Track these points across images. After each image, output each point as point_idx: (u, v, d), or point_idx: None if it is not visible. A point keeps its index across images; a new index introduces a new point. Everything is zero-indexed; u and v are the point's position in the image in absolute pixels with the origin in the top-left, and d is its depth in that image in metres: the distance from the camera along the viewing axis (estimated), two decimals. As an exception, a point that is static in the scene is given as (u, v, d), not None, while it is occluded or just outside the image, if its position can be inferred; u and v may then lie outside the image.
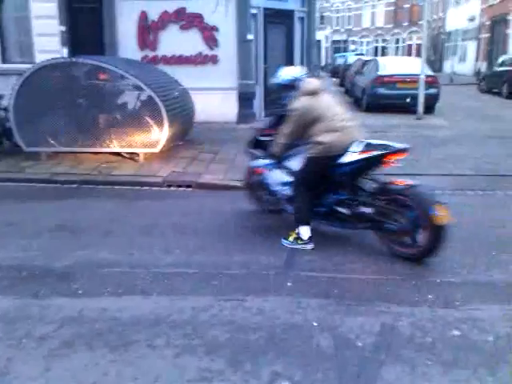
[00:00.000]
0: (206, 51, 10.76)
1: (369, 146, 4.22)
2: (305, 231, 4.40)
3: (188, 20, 10.68)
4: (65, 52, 10.09)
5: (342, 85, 21.89)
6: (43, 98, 7.30)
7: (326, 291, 3.60)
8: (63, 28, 10.18)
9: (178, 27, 10.69)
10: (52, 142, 7.43)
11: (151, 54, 10.78)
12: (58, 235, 4.80)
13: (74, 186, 6.54)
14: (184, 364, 2.76)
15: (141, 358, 2.83)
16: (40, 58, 9.47)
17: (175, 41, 10.68)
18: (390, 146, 4.21)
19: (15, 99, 7.30)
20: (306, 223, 4.43)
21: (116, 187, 6.50)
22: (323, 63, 44.88)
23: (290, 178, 4.68)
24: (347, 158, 4.22)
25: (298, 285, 3.71)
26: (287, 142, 4.52)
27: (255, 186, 5.31)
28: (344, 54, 34.65)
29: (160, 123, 7.24)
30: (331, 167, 4.32)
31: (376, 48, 50.38)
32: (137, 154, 7.47)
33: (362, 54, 33.46)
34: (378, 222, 4.19)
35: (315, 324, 3.15)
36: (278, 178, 4.85)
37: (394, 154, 4.14)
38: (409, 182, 4.13)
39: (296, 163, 4.58)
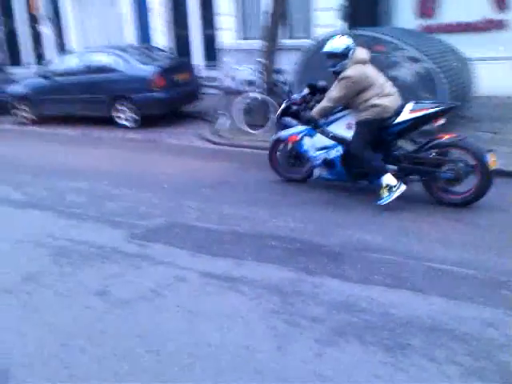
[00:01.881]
0: (492, 15, 9.40)
1: (420, 105, 4.67)
2: (390, 178, 4.61)
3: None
4: (340, 25, 10.10)
5: None
6: (319, 73, 7.38)
7: None
8: (343, 1, 10.17)
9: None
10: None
11: (428, 22, 9.96)
12: (325, 210, 4.78)
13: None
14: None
15: (416, 367, 2.52)
16: (318, 32, 9.67)
17: (456, 5, 9.61)
18: (439, 103, 4.73)
19: (296, 74, 7.57)
20: (385, 172, 4.65)
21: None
22: None
23: (332, 142, 5.00)
24: (401, 118, 4.63)
25: None
26: (334, 106, 4.85)
27: (284, 156, 5.61)
28: None
29: (435, 97, 6.59)
30: (385, 128, 4.70)
31: None
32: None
33: None
34: (432, 172, 4.57)
35: None
36: (317, 143, 5.12)
37: (444, 112, 4.57)
38: (457, 134, 4.67)
39: (341, 128, 4.95)
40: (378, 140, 4.80)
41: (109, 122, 9.42)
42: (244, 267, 3.67)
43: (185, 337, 2.88)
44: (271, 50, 8.23)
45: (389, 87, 4.78)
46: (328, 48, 4.87)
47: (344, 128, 4.95)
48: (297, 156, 5.50)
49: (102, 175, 6.34)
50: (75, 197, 5.53)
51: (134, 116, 9.30)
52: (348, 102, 4.81)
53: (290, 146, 5.46)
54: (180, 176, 6.16)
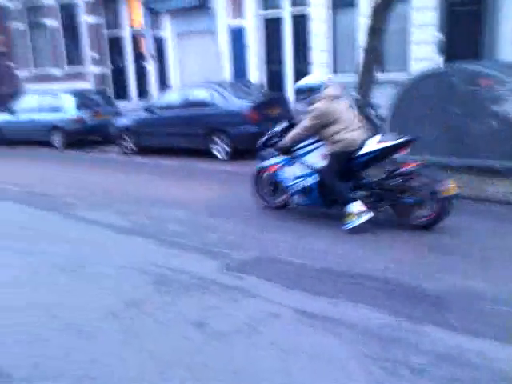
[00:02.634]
0: None
1: (386, 137, 5.18)
2: (358, 206, 5.04)
3: None
4: (439, 59, 9.82)
5: None
6: (418, 108, 7.21)
7: None
8: (440, 35, 9.92)
9: None
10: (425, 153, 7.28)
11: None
12: (419, 251, 4.56)
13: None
14: None
15: None
16: (414, 66, 9.47)
17: None
18: (401, 137, 5.08)
19: (392, 108, 7.44)
20: (352, 200, 5.07)
21: (489, 204, 5.87)
22: None
23: (308, 171, 5.45)
24: (368, 148, 5.08)
25: None
26: (302, 134, 5.34)
27: (264, 184, 6.15)
28: None
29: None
30: (354, 158, 5.15)
31: None
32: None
33: None
34: (397, 198, 5.04)
35: None
36: (294, 173, 5.60)
37: (406, 143, 5.00)
38: (419, 162, 5.02)
39: (316, 159, 5.37)
40: (349, 169, 5.27)
41: (206, 153, 9.79)
42: (339, 307, 3.57)
43: (279, 377, 2.83)
44: (365, 84, 8.17)
45: (356, 122, 5.31)
46: (303, 83, 5.44)
47: (319, 158, 5.40)
48: (275, 184, 6.05)
49: (200, 205, 6.55)
50: (176, 226, 5.75)
51: (228, 149, 9.59)
52: (320, 134, 5.29)
53: (265, 175, 6.09)
54: (273, 209, 6.20)
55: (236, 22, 13.54)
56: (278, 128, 5.94)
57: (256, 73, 13.28)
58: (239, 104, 9.53)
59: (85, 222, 6.10)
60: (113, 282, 4.32)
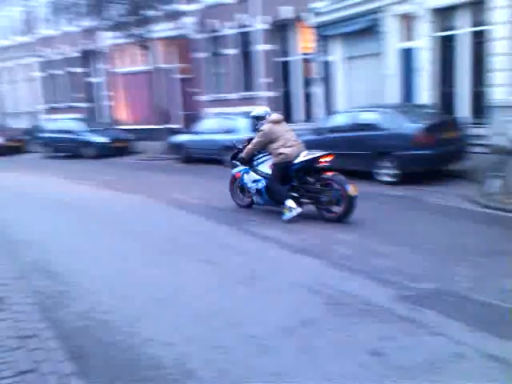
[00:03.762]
0: None
1: (310, 152, 6.93)
2: (290, 203, 6.84)
3: None
4: None
5: None
6: None
7: None
8: None
9: None
10: None
11: None
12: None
13: None
14: None
15: None
16: None
17: None
18: (320, 151, 6.94)
19: None
20: (287, 198, 6.87)
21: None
22: None
23: (259, 177, 7.30)
24: (298, 160, 6.87)
25: None
26: (253, 149, 7.29)
27: (235, 187, 7.87)
28: None
29: None
30: (288, 168, 6.96)
31: None
32: None
33: None
34: (317, 197, 6.84)
35: None
36: (251, 178, 7.44)
37: (322, 156, 6.82)
38: (333, 172, 6.76)
39: (265, 168, 7.28)
40: (287, 176, 7.00)
41: (367, 176, 9.61)
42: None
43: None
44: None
45: (292, 140, 7.01)
46: (255, 113, 7.50)
47: (268, 167, 7.26)
48: (242, 188, 7.80)
49: (366, 229, 6.42)
50: (343, 248, 5.70)
51: (395, 172, 9.27)
52: (268, 149, 7.13)
53: (233, 179, 7.93)
54: (446, 238, 5.80)
55: (407, 44, 13.14)
56: (240, 145, 7.80)
57: (427, 95, 12.69)
58: (410, 127, 9.17)
59: (256, 237, 6.37)
60: (286, 297, 4.41)
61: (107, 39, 20.37)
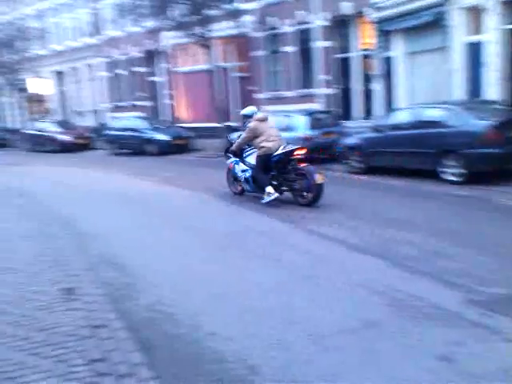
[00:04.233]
0: None
1: (287, 146, 8.04)
2: (269, 189, 7.95)
3: None
4: None
5: None
6: None
7: None
8: None
9: None
10: None
11: None
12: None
13: None
14: None
15: None
16: None
17: None
18: (296, 145, 8.18)
19: None
20: (268, 185, 8.00)
21: None
22: None
23: (247, 167, 8.49)
24: (277, 153, 7.95)
25: None
26: (241, 143, 8.50)
27: (230, 176, 9.15)
28: None
29: None
30: (269, 159, 8.03)
31: None
32: None
33: None
34: (291, 185, 8.00)
35: None
36: (240, 168, 8.68)
37: (296, 150, 7.94)
38: (306, 164, 7.88)
39: (252, 159, 8.39)
40: (268, 166, 8.06)
41: (431, 175, 9.28)
42: None
43: None
44: None
45: (274, 136, 8.06)
46: (243, 112, 8.81)
47: (253, 159, 8.32)
48: (235, 177, 8.91)
49: (431, 229, 6.21)
50: (406, 248, 5.54)
51: (461, 171, 8.91)
52: (253, 143, 8.23)
53: (228, 169, 9.12)
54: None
55: (474, 38, 12.57)
56: (233, 138, 9.24)
57: (494, 90, 12.09)
58: (477, 124, 8.78)
59: (317, 236, 6.32)
60: (347, 297, 4.34)
61: (169, 39, 20.87)
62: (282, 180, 8.11)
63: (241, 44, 19.40)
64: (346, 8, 15.73)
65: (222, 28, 18.38)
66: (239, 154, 8.73)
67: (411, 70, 14.60)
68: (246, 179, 8.52)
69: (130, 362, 3.40)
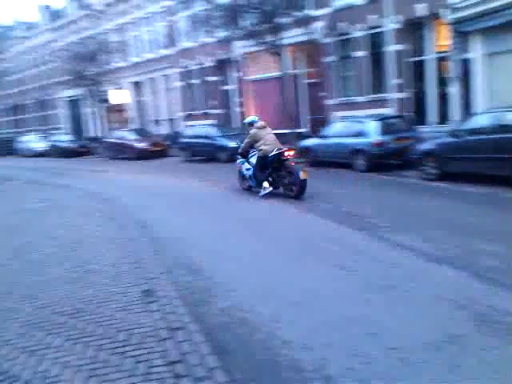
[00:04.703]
0: None
1: (278, 149, 9.71)
2: (265, 184, 9.83)
3: None
4: None
5: None
6: None
7: None
8: None
9: None
10: None
11: None
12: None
13: None
14: None
15: None
16: None
17: None
18: (285, 147, 10.03)
19: None
20: (264, 180, 9.87)
21: None
22: None
23: (250, 166, 10.28)
24: (272, 153, 9.64)
25: None
26: (245, 147, 10.36)
27: (239, 175, 10.99)
28: None
29: None
30: (266, 159, 9.74)
31: None
32: None
33: None
34: (282, 180, 9.71)
35: None
36: (246, 167, 10.49)
37: (286, 151, 9.70)
38: (294, 163, 9.66)
39: (254, 159, 10.17)
40: (265, 165, 9.85)
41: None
42: None
43: None
44: None
45: (270, 141, 9.84)
46: (246, 120, 10.78)
47: (255, 159, 10.13)
48: (243, 175, 10.70)
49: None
50: (488, 260, 5.21)
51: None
52: (254, 147, 10.09)
53: (237, 169, 10.98)
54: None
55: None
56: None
57: None
58: None
59: (390, 244, 6.09)
60: (427, 310, 4.14)
61: (240, 48, 21.18)
62: (276, 177, 9.89)
63: (310, 50, 19.28)
64: (421, 10, 15.19)
65: (292, 35, 18.38)
66: (245, 156, 10.54)
67: (490, 71, 13.82)
68: (250, 176, 10.38)
69: (206, 365, 3.44)
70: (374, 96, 17.20)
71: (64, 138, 29.31)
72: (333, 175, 12.84)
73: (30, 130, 37.05)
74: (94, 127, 33.18)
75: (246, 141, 10.30)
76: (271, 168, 9.84)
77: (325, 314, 4.20)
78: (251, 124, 10.26)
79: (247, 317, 4.20)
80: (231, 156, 17.61)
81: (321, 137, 14.51)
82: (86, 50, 26.79)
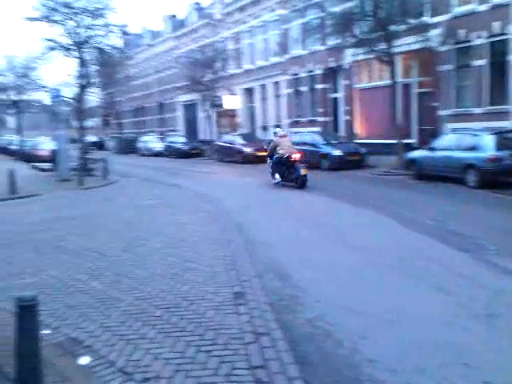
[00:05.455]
0: None
1: (288, 152, 13.44)
2: (277, 175, 13.77)
3: None
4: None
5: None
6: None
7: None
8: None
9: None
10: None
11: None
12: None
13: None
14: None
15: None
16: None
17: None
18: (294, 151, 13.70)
19: None
20: (277, 173, 13.77)
21: None
22: None
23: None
24: (284, 156, 13.39)
25: None
26: (270, 151, 14.15)
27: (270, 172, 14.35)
28: None
29: None
30: (282, 160, 13.49)
31: None
32: None
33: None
34: (290, 175, 13.39)
35: None
36: (271, 166, 14.09)
37: (292, 154, 13.36)
38: (299, 163, 13.30)
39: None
40: (281, 164, 13.58)
41: None
42: None
43: None
44: None
45: (287, 147, 13.55)
46: (274, 131, 15.16)
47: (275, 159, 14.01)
48: (272, 172, 14.07)
49: None
50: None
51: None
52: (275, 151, 13.69)
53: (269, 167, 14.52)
54: None
55: None
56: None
57: None
58: None
59: (497, 269, 5.59)
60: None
61: (350, 56, 20.87)
62: (287, 173, 13.36)
63: (425, 58, 18.39)
64: (552, 15, 13.81)
65: (406, 43, 17.66)
66: (271, 156, 13.97)
67: None
68: (272, 173, 13.96)
69: (288, 374, 3.42)
70: (493, 108, 15.97)
71: (178, 140, 31.09)
72: (442, 190, 12.11)
73: (150, 131, 39.80)
74: (205, 130, 34.70)
75: (269, 147, 14.29)
76: (285, 166, 13.41)
77: (416, 335, 3.97)
78: (276, 133, 14.32)
79: (333, 330, 4.12)
80: (332, 164, 17.41)
81: (429, 149, 13.77)
82: (204, 57, 28.16)
